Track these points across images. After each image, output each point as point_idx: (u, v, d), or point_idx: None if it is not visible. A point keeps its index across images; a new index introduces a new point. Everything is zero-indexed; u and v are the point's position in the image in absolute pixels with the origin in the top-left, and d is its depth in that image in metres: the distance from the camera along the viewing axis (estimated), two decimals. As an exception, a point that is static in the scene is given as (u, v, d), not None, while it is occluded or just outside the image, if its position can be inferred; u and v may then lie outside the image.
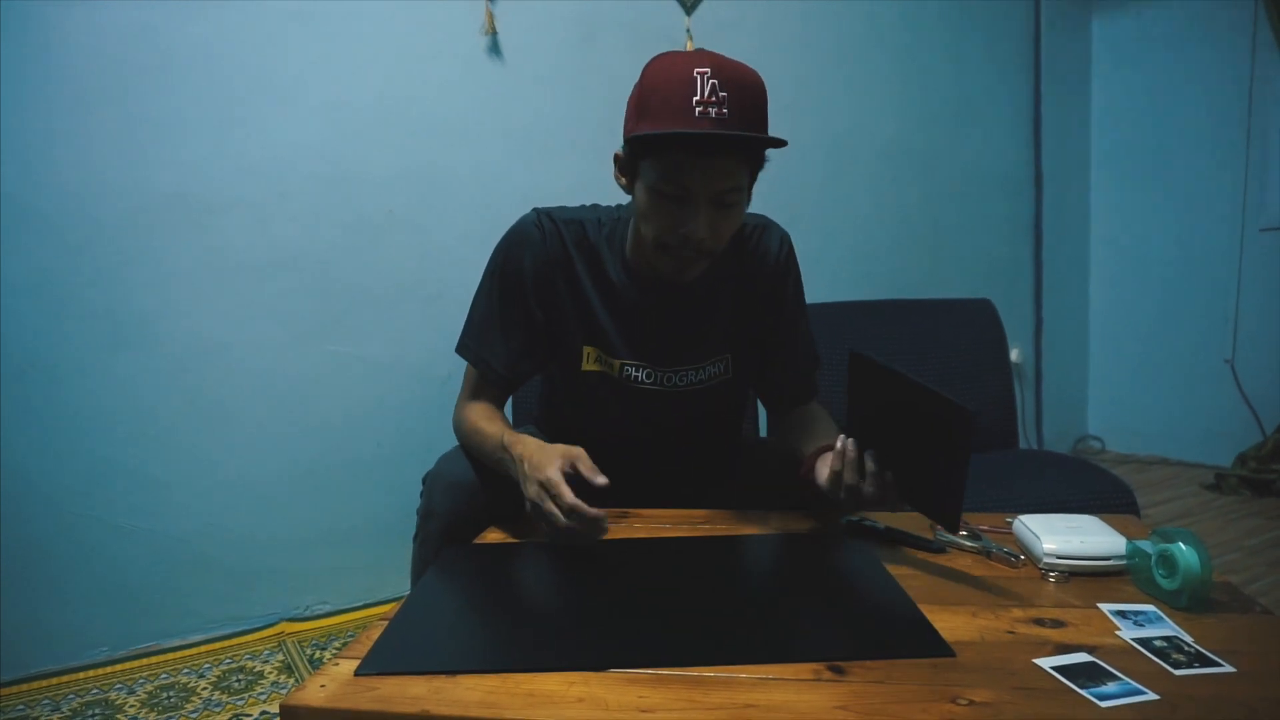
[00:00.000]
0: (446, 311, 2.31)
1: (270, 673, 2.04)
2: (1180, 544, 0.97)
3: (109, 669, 2.06)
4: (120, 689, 1.98)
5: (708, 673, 0.83)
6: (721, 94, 1.14)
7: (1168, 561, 0.98)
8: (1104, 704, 0.77)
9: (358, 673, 0.84)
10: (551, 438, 1.58)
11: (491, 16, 2.41)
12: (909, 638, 0.91)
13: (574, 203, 1.48)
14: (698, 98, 1.14)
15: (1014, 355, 3.52)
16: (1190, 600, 0.96)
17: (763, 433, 2.15)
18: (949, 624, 0.93)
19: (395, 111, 2.33)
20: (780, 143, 1.17)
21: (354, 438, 2.34)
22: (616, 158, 1.30)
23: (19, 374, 1.97)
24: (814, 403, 1.55)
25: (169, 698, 1.93)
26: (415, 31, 2.33)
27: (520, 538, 1.26)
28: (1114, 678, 0.81)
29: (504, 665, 0.86)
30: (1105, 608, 0.97)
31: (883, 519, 1.26)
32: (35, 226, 1.96)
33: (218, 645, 2.18)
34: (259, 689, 1.97)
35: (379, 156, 2.32)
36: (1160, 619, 0.94)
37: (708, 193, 1.20)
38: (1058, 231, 3.84)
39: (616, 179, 1.32)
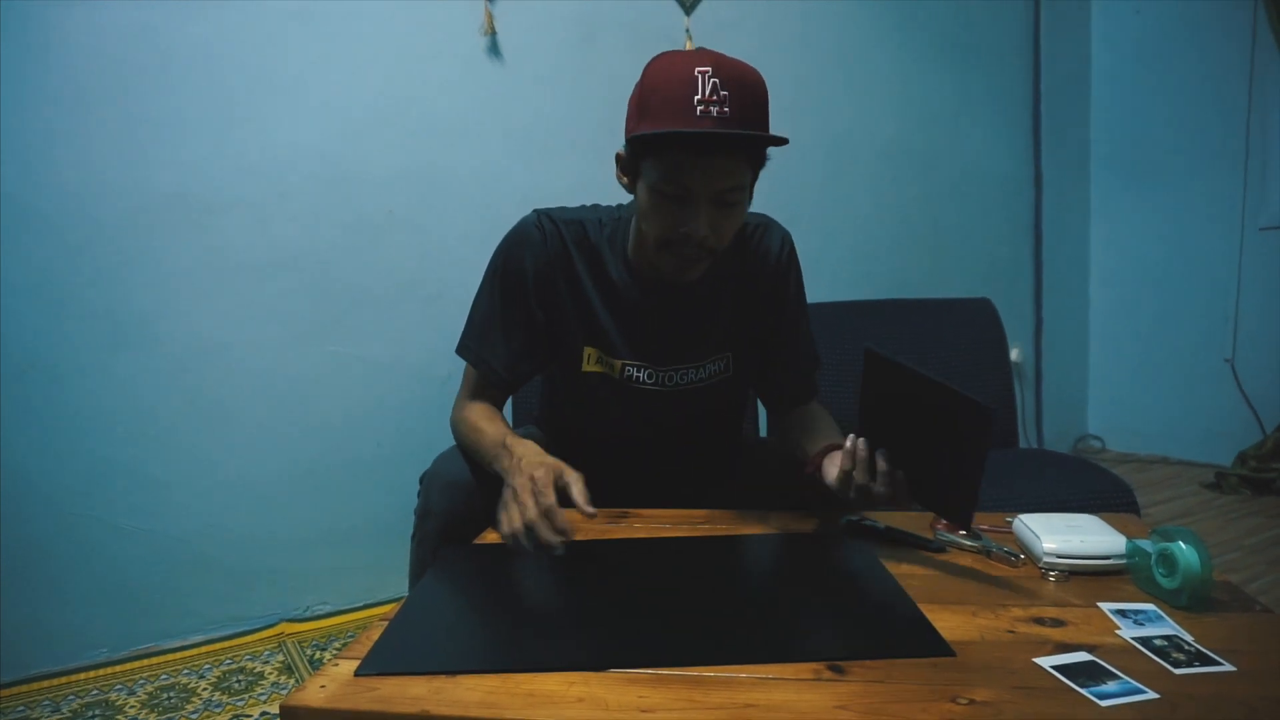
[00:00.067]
0: (446, 311, 2.31)
1: (270, 673, 2.04)
2: (1180, 543, 0.97)
3: (109, 670, 2.06)
4: (120, 690, 1.98)
5: (708, 672, 0.83)
6: (723, 93, 1.14)
7: (1168, 560, 0.98)
8: (1104, 703, 0.77)
9: (358, 673, 0.84)
10: (553, 438, 1.58)
11: (491, 17, 2.41)
12: (909, 637, 0.91)
13: (574, 203, 1.48)
14: (699, 97, 1.14)
15: (1014, 355, 3.52)
16: (1190, 599, 0.96)
17: (763, 433, 2.15)
18: (949, 623, 0.93)
19: (395, 112, 2.33)
20: (781, 141, 1.17)
21: (354, 438, 2.34)
22: (618, 157, 1.30)
23: (19, 374, 1.97)
24: (814, 402, 1.55)
25: (169, 698, 1.93)
26: (415, 32, 2.33)
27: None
28: (1114, 677, 0.81)
29: (504, 665, 0.86)
30: (1105, 607, 0.97)
31: (882, 518, 1.26)
32: (35, 226, 1.96)
33: (218, 646, 2.18)
34: (259, 690, 1.97)
35: (379, 157, 2.32)
36: (1160, 618, 0.94)
37: (709, 192, 1.20)
38: (1057, 231, 3.84)
39: (618, 178, 1.32)
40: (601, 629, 0.95)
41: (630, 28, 2.63)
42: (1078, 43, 3.91)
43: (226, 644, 2.19)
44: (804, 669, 0.84)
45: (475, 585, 1.08)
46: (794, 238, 1.49)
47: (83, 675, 2.04)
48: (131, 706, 1.90)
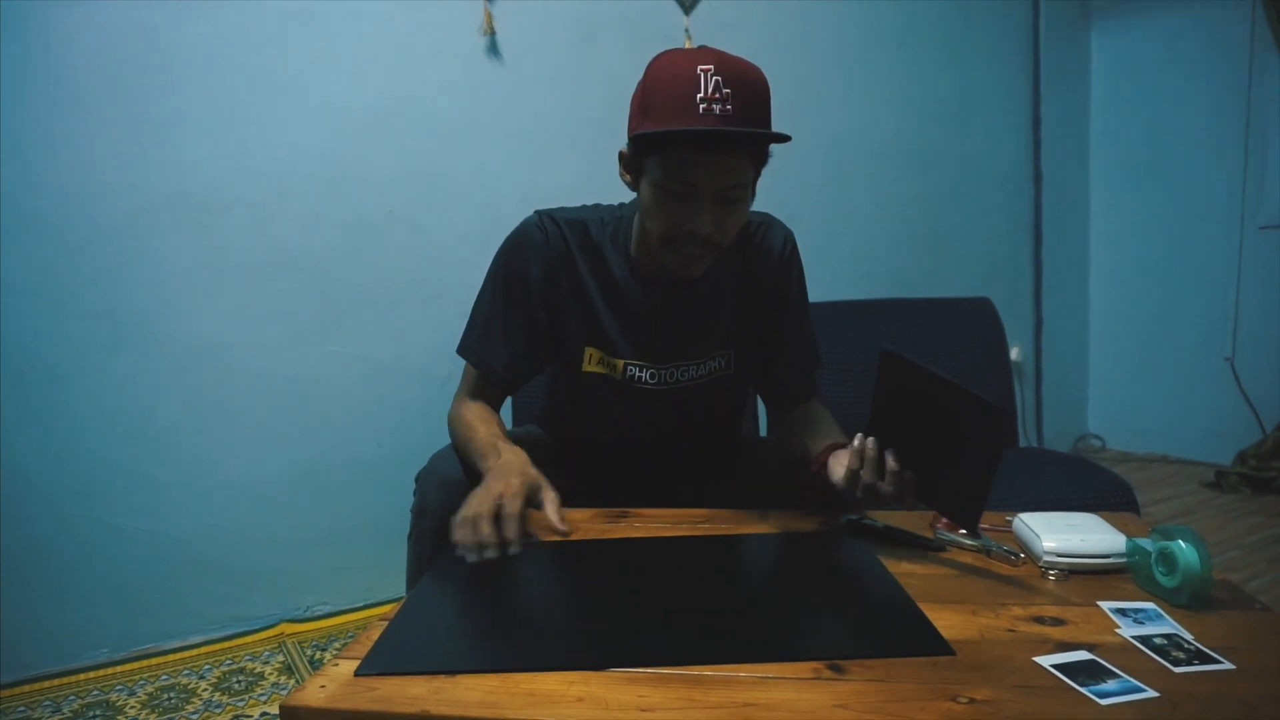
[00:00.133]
0: (446, 311, 2.32)
1: (270, 674, 2.04)
2: (1180, 541, 0.97)
3: (109, 670, 2.06)
4: (121, 690, 1.98)
5: (707, 672, 0.83)
6: (725, 90, 1.14)
7: (1167, 559, 0.98)
8: (1104, 702, 0.77)
9: (358, 673, 0.84)
10: (554, 437, 1.59)
11: (490, 17, 2.42)
12: (909, 636, 0.91)
13: (574, 203, 1.48)
14: (701, 95, 1.14)
15: (1014, 354, 3.52)
16: (1190, 598, 0.96)
17: (763, 432, 2.15)
18: (949, 622, 0.93)
19: (395, 111, 2.33)
20: (784, 138, 1.18)
21: (354, 438, 2.34)
22: (621, 155, 1.30)
23: (19, 374, 1.97)
24: (815, 400, 1.55)
25: (169, 699, 1.93)
26: (414, 32, 2.33)
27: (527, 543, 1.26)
28: (1114, 675, 0.81)
29: (504, 665, 0.86)
30: (1105, 605, 0.97)
31: (881, 518, 1.26)
32: (35, 227, 1.96)
33: (218, 646, 2.18)
34: (259, 690, 1.97)
35: (378, 157, 2.32)
36: (1160, 617, 0.94)
37: (712, 189, 1.20)
38: (1057, 230, 3.84)
39: (621, 176, 1.32)
40: (601, 628, 0.95)
41: (629, 28, 2.63)
42: (1077, 42, 3.91)
43: (227, 644, 2.19)
44: (804, 668, 0.84)
45: (475, 585, 1.08)
46: (794, 237, 1.50)
47: (83, 675, 2.04)
48: (132, 707, 1.91)
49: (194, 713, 1.88)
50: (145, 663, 2.10)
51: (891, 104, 3.27)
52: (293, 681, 1.99)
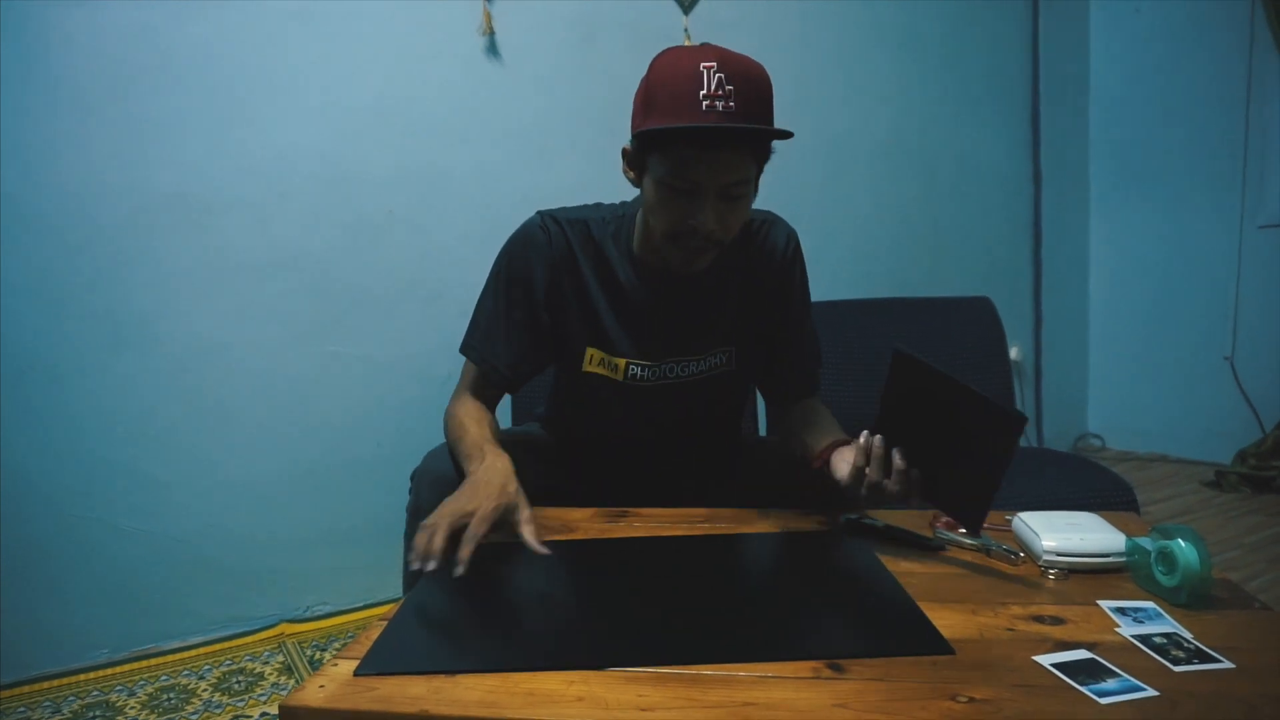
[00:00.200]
0: (446, 311, 2.32)
1: (270, 674, 2.04)
2: (1179, 541, 0.97)
3: (109, 671, 2.06)
4: (120, 691, 1.98)
5: (707, 671, 0.83)
6: (728, 88, 1.15)
7: (1167, 558, 0.98)
8: (1104, 701, 0.77)
9: (357, 673, 0.85)
10: (556, 437, 1.59)
11: (489, 17, 2.42)
12: (908, 635, 0.91)
13: (574, 202, 1.48)
14: (704, 92, 1.15)
15: (1013, 353, 3.52)
16: (1190, 597, 0.96)
17: (763, 432, 2.15)
18: (948, 621, 0.93)
19: (394, 111, 2.33)
20: (786, 134, 1.18)
21: (354, 438, 2.34)
22: (625, 152, 1.31)
23: (19, 374, 1.97)
24: (815, 398, 1.55)
25: (169, 699, 1.93)
26: (413, 32, 2.33)
27: (514, 536, 1.26)
28: (1114, 674, 0.81)
29: (503, 665, 0.86)
30: (1105, 605, 0.97)
31: (881, 517, 1.26)
32: (35, 227, 1.96)
33: (218, 646, 2.18)
34: (259, 690, 1.97)
35: (378, 156, 2.32)
36: (1160, 616, 0.94)
37: (715, 186, 1.21)
38: (1057, 229, 3.84)
39: (625, 173, 1.33)
40: (601, 628, 0.95)
41: (629, 27, 2.63)
42: (1077, 41, 3.91)
43: (226, 645, 2.19)
44: (803, 667, 0.84)
45: (474, 585, 1.08)
46: (797, 235, 1.50)
47: (83, 676, 2.04)
48: (132, 707, 1.91)
49: (194, 713, 1.88)
50: (145, 663, 2.10)
51: (891, 104, 3.27)
52: (292, 682, 1.99)
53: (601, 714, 0.76)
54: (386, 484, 2.30)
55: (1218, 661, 0.84)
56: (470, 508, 1.11)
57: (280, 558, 2.28)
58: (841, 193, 3.16)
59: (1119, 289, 3.96)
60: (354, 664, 0.86)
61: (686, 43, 2.70)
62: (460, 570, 1.04)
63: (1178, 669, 0.82)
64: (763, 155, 1.26)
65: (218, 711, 1.88)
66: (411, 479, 1.40)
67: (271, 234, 2.21)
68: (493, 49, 2.45)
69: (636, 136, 1.24)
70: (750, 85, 1.17)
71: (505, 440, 1.42)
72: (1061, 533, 1.10)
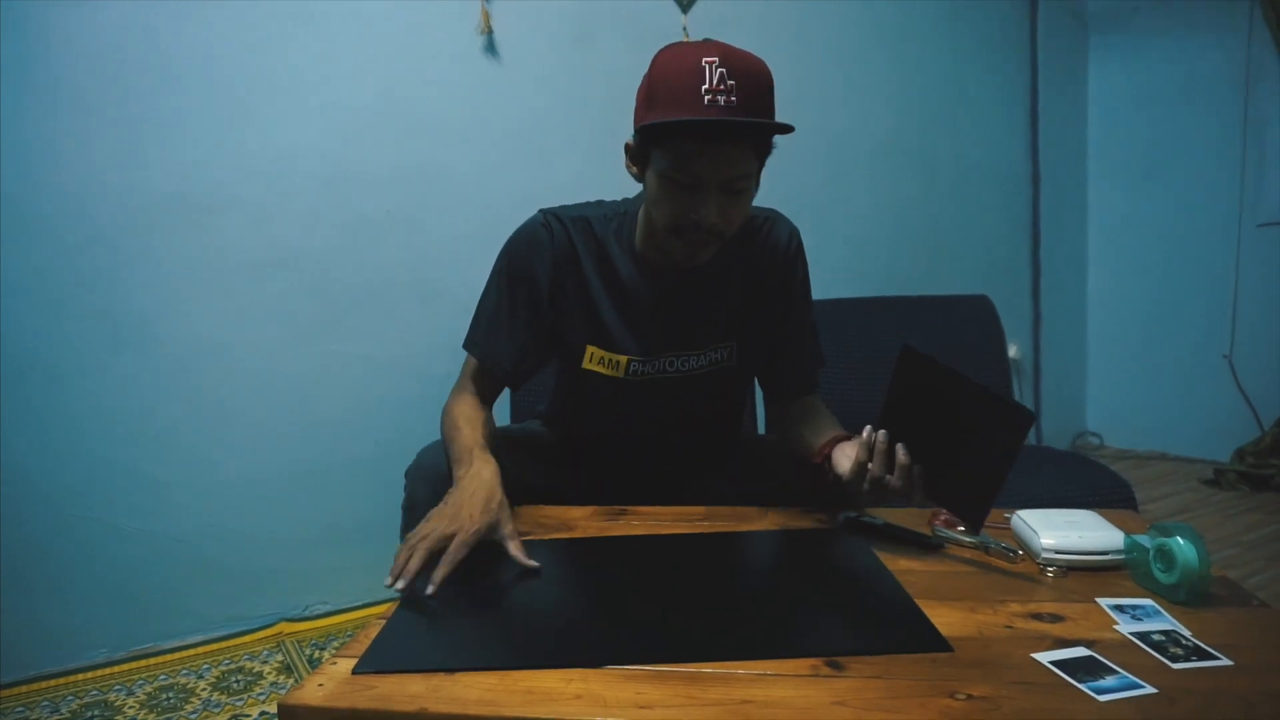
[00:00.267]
0: (446, 310, 2.32)
1: (269, 673, 2.04)
2: (1178, 538, 0.97)
3: (108, 670, 2.06)
4: (119, 690, 1.98)
5: (706, 669, 0.83)
6: (730, 82, 1.15)
7: (1166, 556, 0.98)
8: (1102, 698, 0.77)
9: (355, 671, 0.85)
10: (556, 434, 1.59)
11: (487, 15, 2.41)
12: (906, 633, 0.91)
13: (572, 200, 1.48)
14: (706, 86, 1.15)
15: (1012, 351, 3.52)
16: (1188, 594, 0.96)
17: (761, 430, 2.15)
18: (947, 619, 0.94)
19: (392, 110, 2.33)
20: (787, 128, 1.19)
21: (353, 437, 2.34)
22: (627, 147, 1.32)
23: (19, 374, 1.97)
24: (815, 395, 1.55)
25: (168, 699, 1.94)
26: (411, 31, 2.33)
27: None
28: (1112, 672, 0.81)
29: (502, 663, 0.86)
30: (1103, 602, 0.97)
31: (880, 515, 1.27)
32: (35, 227, 1.96)
33: (217, 646, 2.18)
34: (258, 689, 1.97)
35: (377, 155, 2.32)
36: (1158, 613, 0.94)
37: (717, 180, 1.21)
38: (1055, 228, 3.84)
39: (628, 168, 1.33)
40: (600, 625, 0.96)
41: (627, 26, 2.63)
42: (1075, 39, 3.91)
43: (225, 644, 2.19)
44: (802, 665, 0.84)
45: (472, 582, 1.08)
46: (799, 233, 1.51)
47: (82, 675, 2.04)
48: (130, 707, 1.91)
49: (193, 712, 1.88)
50: (144, 662, 2.10)
51: (890, 103, 3.27)
52: (291, 681, 1.99)
53: (600, 712, 0.76)
54: (385, 483, 2.30)
55: (1216, 659, 0.84)
56: (451, 530, 1.09)
57: (279, 557, 2.28)
58: (841, 192, 3.16)
59: (1117, 287, 3.96)
60: (353, 662, 0.86)
61: (686, 40, 2.70)
62: (431, 590, 1.02)
63: (1176, 666, 0.83)
64: (764, 150, 1.26)
65: (216, 711, 1.88)
66: (405, 476, 1.41)
67: (271, 233, 2.21)
68: (491, 48, 2.45)
69: (639, 131, 1.25)
70: (752, 80, 1.18)
71: (502, 439, 1.43)
72: (1060, 530, 1.10)
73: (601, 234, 1.42)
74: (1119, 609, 0.95)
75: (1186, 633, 0.89)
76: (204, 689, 1.97)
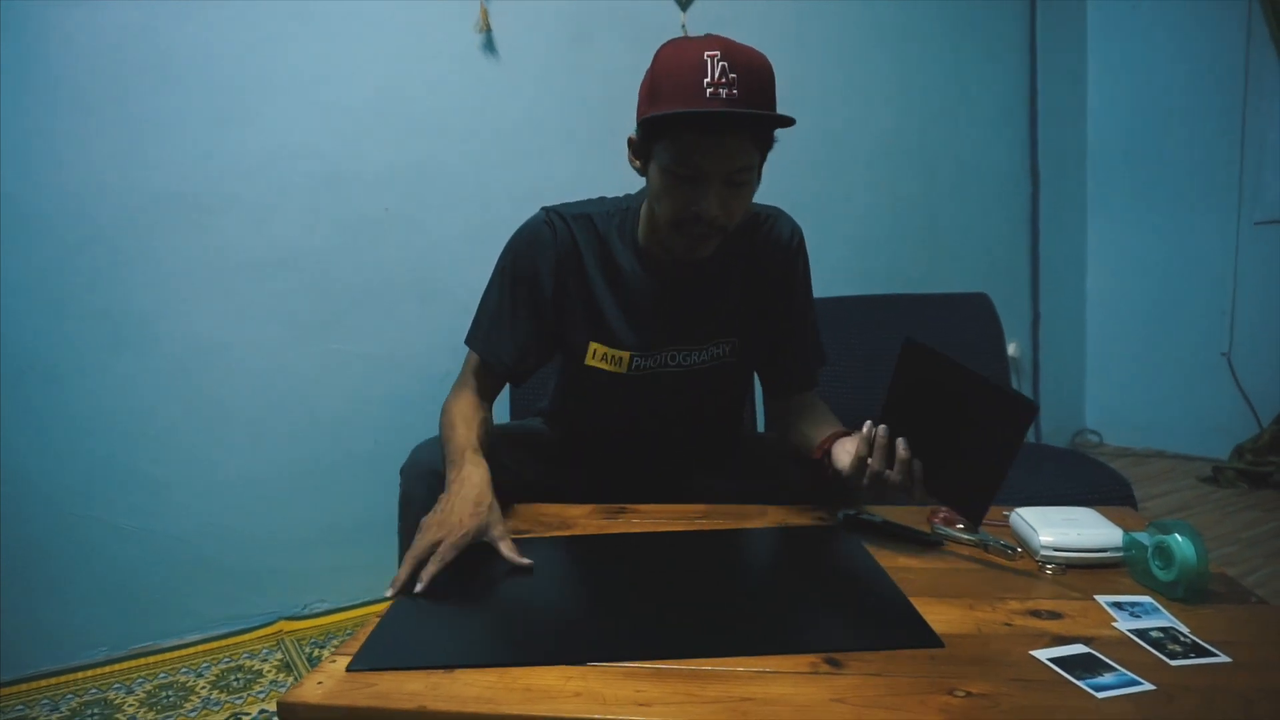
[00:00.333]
0: (445, 308, 2.32)
1: (269, 671, 2.04)
2: (1176, 535, 0.97)
3: (108, 669, 2.06)
4: (119, 689, 1.98)
5: (705, 666, 0.83)
6: (731, 75, 1.17)
7: (1164, 553, 0.98)
8: (1100, 695, 0.77)
9: (350, 668, 0.85)
10: (558, 432, 1.60)
11: (486, 14, 2.41)
12: (898, 628, 0.91)
13: (571, 198, 1.49)
14: (708, 79, 1.16)
15: (1011, 349, 3.52)
16: (1186, 591, 0.96)
17: (760, 427, 2.15)
18: (946, 616, 0.94)
19: (391, 109, 2.33)
20: (788, 120, 1.20)
21: (353, 436, 2.34)
22: (630, 141, 1.33)
23: (19, 374, 1.97)
24: (814, 392, 1.56)
25: (168, 697, 1.94)
26: (410, 29, 2.33)
27: (513, 533, 1.27)
28: (1110, 669, 0.81)
29: (501, 660, 0.86)
30: (1102, 599, 0.98)
31: (879, 513, 1.27)
32: (35, 227, 1.96)
33: (216, 644, 2.18)
34: (258, 688, 1.97)
35: (375, 154, 2.32)
36: (1157, 610, 0.94)
37: (719, 172, 1.22)
38: (1054, 226, 3.84)
39: (631, 162, 1.34)
40: (599, 623, 0.96)
41: (625, 24, 2.62)
42: (1074, 38, 3.91)
43: (225, 642, 2.19)
44: (801, 662, 0.84)
45: (470, 581, 1.08)
46: (801, 231, 1.51)
47: (81, 674, 2.04)
48: (130, 705, 1.91)
49: (192, 710, 1.88)
50: (143, 661, 2.10)
51: (889, 100, 3.27)
52: (291, 679, 1.99)
53: (600, 709, 0.77)
54: (385, 482, 2.29)
55: (1214, 656, 0.84)
56: (439, 537, 1.11)
57: (279, 556, 2.28)
58: (840, 190, 3.16)
59: (1117, 285, 3.96)
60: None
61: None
62: (420, 587, 1.04)
63: (1174, 663, 0.83)
64: (765, 143, 1.27)
65: (216, 709, 1.88)
66: (400, 474, 1.42)
67: (270, 233, 2.21)
68: (489, 46, 2.45)
69: (641, 124, 1.26)
70: (753, 74, 1.19)
71: (502, 437, 1.43)
72: (1059, 528, 1.10)
73: (604, 230, 1.42)
74: (1117, 606, 0.96)
75: (1185, 630, 0.89)
76: (203, 687, 1.97)
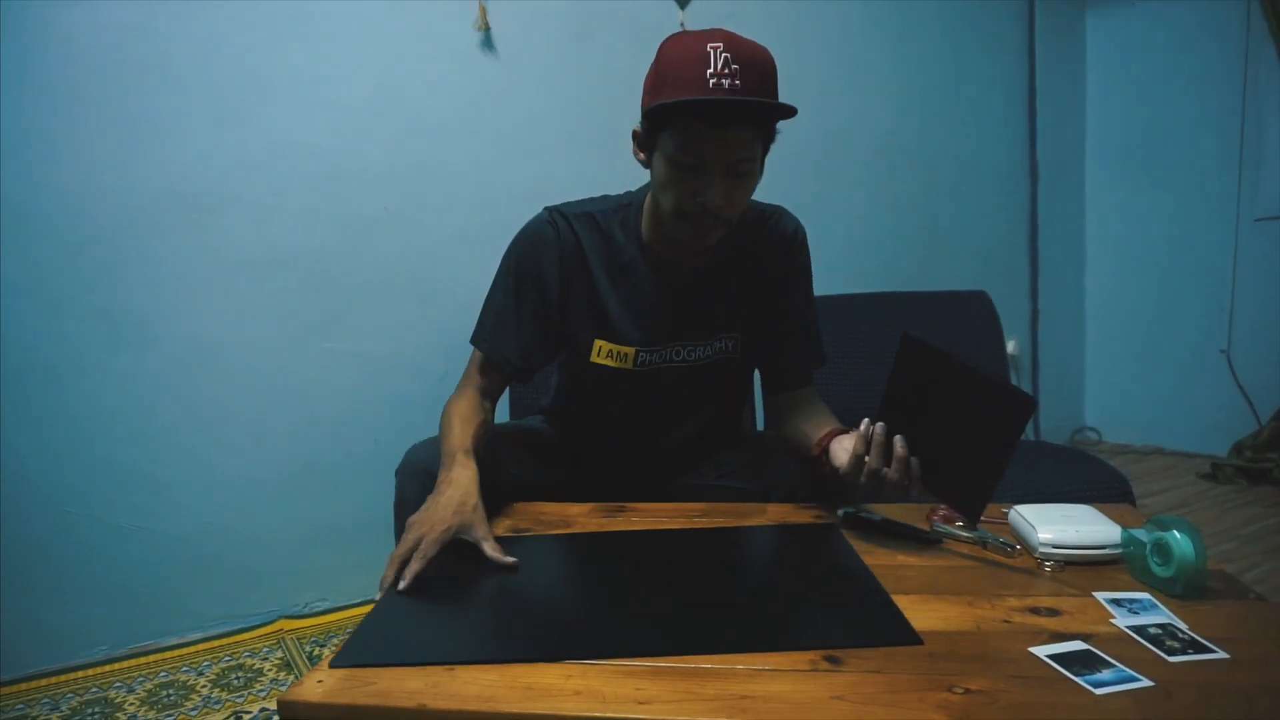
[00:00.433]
0: (444, 307, 2.32)
1: (269, 670, 2.04)
2: (1175, 532, 0.97)
3: (108, 668, 2.06)
4: (119, 687, 1.98)
5: (705, 663, 0.84)
6: (734, 66, 1.19)
7: (1163, 550, 0.98)
8: (1099, 691, 0.77)
9: (332, 665, 0.85)
10: (559, 430, 1.60)
11: (485, 12, 2.41)
12: (875, 626, 0.92)
13: (571, 197, 1.49)
14: (711, 70, 1.19)
15: (1011, 347, 3.53)
16: (1185, 588, 0.96)
17: (760, 427, 2.15)
18: (945, 614, 0.94)
19: (390, 108, 2.33)
20: (790, 110, 1.22)
21: (352, 435, 2.34)
22: (635, 134, 1.34)
23: (19, 374, 1.97)
24: (811, 389, 1.56)
25: (168, 696, 1.94)
26: (409, 28, 2.33)
27: (513, 531, 1.27)
28: (1109, 665, 0.81)
29: (500, 657, 0.86)
30: (1100, 596, 0.98)
31: (878, 510, 1.27)
32: (35, 226, 1.96)
33: (217, 643, 2.18)
34: (258, 686, 1.97)
35: (374, 153, 2.32)
36: (1155, 607, 0.95)
37: (722, 163, 1.24)
38: (1053, 223, 3.84)
39: (635, 154, 1.36)
40: (598, 621, 0.96)
41: (624, 22, 2.62)
42: (1073, 35, 3.91)
43: (225, 641, 2.19)
44: (800, 660, 0.84)
45: (465, 579, 1.08)
46: (804, 229, 1.52)
47: (82, 673, 2.04)
48: (130, 704, 1.91)
49: (193, 709, 1.88)
50: (144, 660, 2.10)
51: (888, 98, 3.27)
52: (291, 677, 1.99)
53: (599, 707, 0.77)
54: (384, 481, 2.29)
55: (1213, 652, 0.84)
56: (420, 534, 1.11)
57: (278, 555, 2.28)
58: (839, 188, 3.17)
59: (1115, 283, 3.97)
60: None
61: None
62: (403, 585, 1.05)
63: (1173, 659, 0.83)
64: (768, 134, 1.30)
65: (216, 707, 1.88)
66: (396, 474, 1.42)
67: (269, 232, 2.21)
68: (488, 44, 2.45)
69: (646, 115, 1.28)
70: (755, 67, 1.22)
71: (502, 436, 1.44)
72: (1057, 525, 1.10)
73: (606, 226, 1.43)
74: (1116, 603, 0.96)
75: (1183, 626, 0.89)
76: (204, 686, 1.97)
